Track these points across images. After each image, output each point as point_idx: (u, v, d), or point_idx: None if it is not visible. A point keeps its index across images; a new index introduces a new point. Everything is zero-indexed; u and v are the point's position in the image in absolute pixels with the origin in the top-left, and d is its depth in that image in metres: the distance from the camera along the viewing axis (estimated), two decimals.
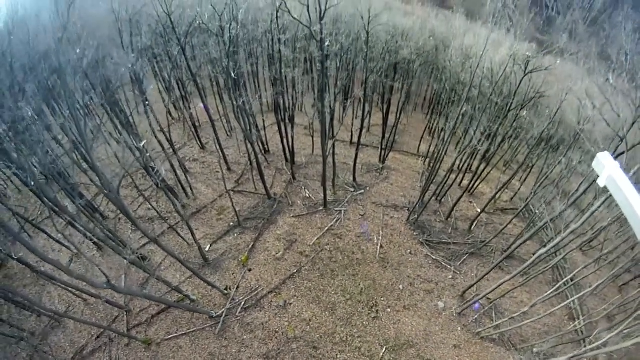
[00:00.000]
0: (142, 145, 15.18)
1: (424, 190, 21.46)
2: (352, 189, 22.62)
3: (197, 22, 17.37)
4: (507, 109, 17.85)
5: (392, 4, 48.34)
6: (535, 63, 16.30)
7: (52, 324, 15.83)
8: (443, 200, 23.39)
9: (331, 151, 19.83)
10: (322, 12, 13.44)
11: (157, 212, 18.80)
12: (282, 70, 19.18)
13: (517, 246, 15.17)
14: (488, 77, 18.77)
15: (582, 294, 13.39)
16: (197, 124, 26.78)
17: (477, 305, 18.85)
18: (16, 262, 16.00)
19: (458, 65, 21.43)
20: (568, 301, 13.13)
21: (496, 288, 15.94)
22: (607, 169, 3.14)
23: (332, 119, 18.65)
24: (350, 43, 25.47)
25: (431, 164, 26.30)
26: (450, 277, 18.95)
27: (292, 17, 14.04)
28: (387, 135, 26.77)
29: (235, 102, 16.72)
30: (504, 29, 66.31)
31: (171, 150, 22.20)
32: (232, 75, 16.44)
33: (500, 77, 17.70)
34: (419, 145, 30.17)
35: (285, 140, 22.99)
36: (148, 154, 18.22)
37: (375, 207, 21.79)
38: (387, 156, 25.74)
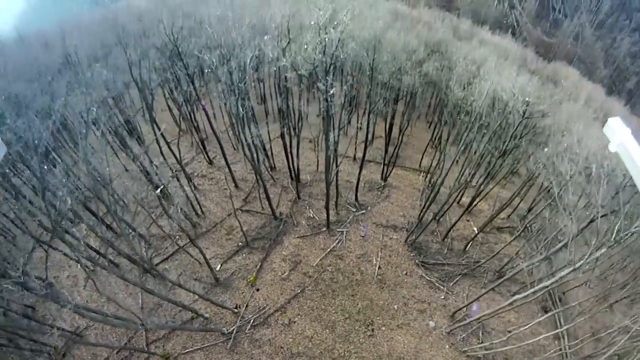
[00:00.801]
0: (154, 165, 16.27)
1: (422, 212, 22.69)
2: (354, 209, 23.83)
3: (206, 65, 18.07)
4: (505, 146, 18.67)
5: (399, 9, 48.25)
6: (534, 106, 17.08)
7: (74, 338, 17.33)
8: (441, 219, 24.60)
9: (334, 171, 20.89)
10: (329, 65, 14.27)
11: (170, 237, 20.04)
12: (289, 102, 19.99)
13: (513, 274, 16.50)
14: (489, 111, 19.55)
15: (566, 307, 14.75)
16: (204, 137, 27.73)
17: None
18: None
19: (460, 94, 22.16)
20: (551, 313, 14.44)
21: (491, 313, 17.31)
22: (619, 135, 2.96)
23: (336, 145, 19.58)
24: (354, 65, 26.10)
25: (431, 181, 27.44)
26: (442, 297, 20.37)
27: (299, 73, 14.85)
28: (390, 149, 27.73)
29: (244, 140, 17.74)
30: (509, 34, 65.59)
31: (180, 165, 23.36)
32: (240, 111, 17.40)
33: (501, 118, 18.47)
34: (421, 159, 31.04)
35: (290, 160, 24.05)
36: (159, 174, 19.44)
37: (375, 228, 23.06)
38: (389, 174, 26.79)
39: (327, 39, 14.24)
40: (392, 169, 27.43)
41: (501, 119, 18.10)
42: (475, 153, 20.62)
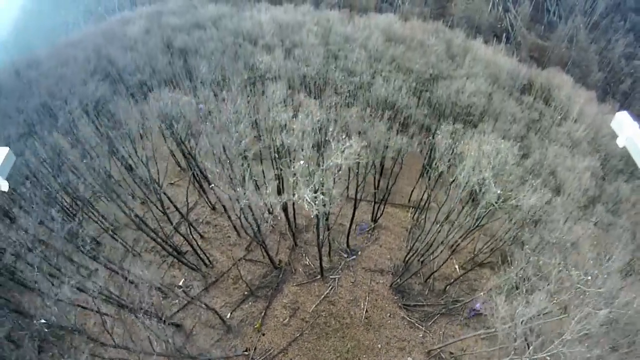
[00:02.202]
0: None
1: (407, 256, 25.61)
2: (346, 255, 26.75)
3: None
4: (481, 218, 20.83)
5: (392, 30, 48.90)
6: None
7: None
8: (425, 260, 27.50)
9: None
10: (324, 217, 16.43)
11: (188, 296, 23.08)
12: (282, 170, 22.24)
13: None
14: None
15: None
16: (205, 181, 30.00)
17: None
18: None
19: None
20: None
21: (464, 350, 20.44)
22: (626, 129, 2.84)
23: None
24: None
25: (418, 219, 30.09)
26: (421, 335, 23.66)
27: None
28: (381, 181, 29.81)
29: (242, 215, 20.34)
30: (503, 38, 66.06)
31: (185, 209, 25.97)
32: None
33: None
34: (411, 193, 33.20)
35: (287, 212, 26.66)
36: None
37: (364, 273, 26.06)
38: (380, 215, 29.39)
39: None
40: (384, 207, 29.90)
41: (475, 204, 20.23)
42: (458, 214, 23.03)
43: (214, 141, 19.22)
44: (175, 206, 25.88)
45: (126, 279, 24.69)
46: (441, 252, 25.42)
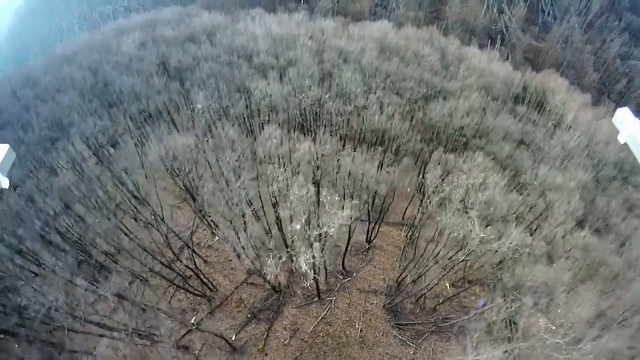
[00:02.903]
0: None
1: (399, 277, 27.20)
2: (342, 277, 28.30)
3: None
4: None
5: (386, 41, 49.29)
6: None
7: None
8: (417, 280, 29.07)
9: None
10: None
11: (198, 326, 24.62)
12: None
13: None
14: None
15: None
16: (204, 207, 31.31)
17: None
18: None
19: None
20: None
21: None
22: (628, 126, 2.79)
23: None
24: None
25: (412, 238, 31.57)
26: (412, 352, 25.42)
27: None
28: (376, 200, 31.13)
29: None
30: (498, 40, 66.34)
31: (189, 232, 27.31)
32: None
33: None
34: (405, 210, 34.48)
35: (285, 239, 28.04)
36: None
37: (359, 294, 27.67)
38: (375, 236, 30.82)
39: None
40: (379, 227, 31.27)
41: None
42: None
43: (215, 196, 20.52)
44: (178, 236, 27.19)
45: (135, 304, 26.44)
46: (432, 269, 26.99)
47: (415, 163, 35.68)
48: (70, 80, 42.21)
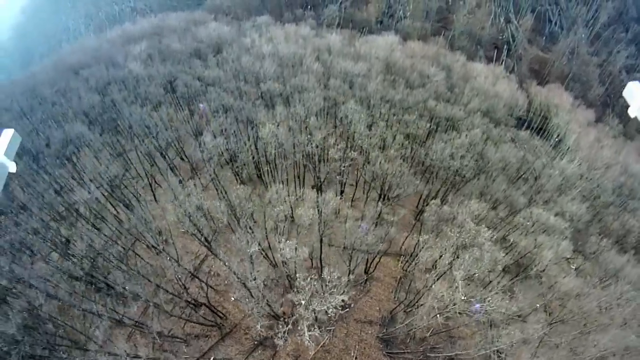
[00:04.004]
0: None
1: (394, 309, 29.63)
2: (341, 309, 30.67)
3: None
4: None
5: (393, 59, 49.78)
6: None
7: None
8: (410, 311, 31.48)
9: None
10: None
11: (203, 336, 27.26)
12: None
13: None
14: None
15: None
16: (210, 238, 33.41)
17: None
18: None
19: None
20: None
21: None
22: (638, 99, 3.02)
23: None
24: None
25: (407, 270, 33.77)
26: None
27: None
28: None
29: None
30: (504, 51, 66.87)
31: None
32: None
33: None
34: (403, 242, 36.40)
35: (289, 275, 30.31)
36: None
37: (355, 324, 30.16)
38: (374, 269, 32.97)
39: None
40: (379, 259, 33.32)
41: None
42: None
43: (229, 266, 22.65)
44: (193, 274, 29.46)
45: (150, 331, 29.10)
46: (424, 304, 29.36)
47: (416, 206, 37.20)
48: (78, 102, 42.98)
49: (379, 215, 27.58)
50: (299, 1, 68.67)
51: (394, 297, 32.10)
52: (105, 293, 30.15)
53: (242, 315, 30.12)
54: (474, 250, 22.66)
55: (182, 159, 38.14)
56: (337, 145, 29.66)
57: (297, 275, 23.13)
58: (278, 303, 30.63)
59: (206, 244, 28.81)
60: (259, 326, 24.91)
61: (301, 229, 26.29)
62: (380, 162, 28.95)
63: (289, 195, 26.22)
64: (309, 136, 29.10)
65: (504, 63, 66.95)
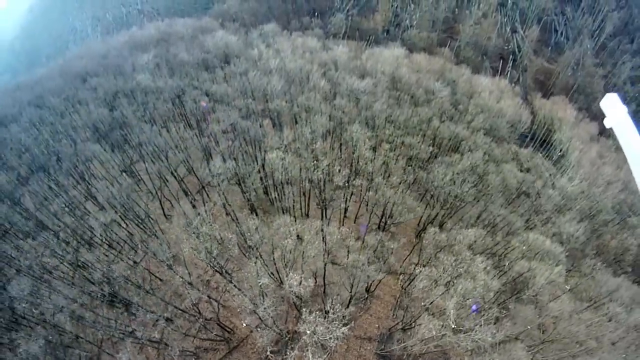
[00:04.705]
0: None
1: (392, 327, 31.28)
2: (342, 326, 32.35)
3: None
4: None
5: (398, 76, 50.39)
6: None
7: None
8: (407, 328, 33.10)
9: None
10: None
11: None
12: None
13: None
14: None
15: None
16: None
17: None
18: None
19: None
20: None
21: None
22: (614, 112, 3.54)
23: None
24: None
25: (406, 289, 35.26)
26: None
27: None
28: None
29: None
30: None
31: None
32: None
33: None
34: (404, 260, 37.87)
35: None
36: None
37: (354, 340, 31.86)
38: (374, 288, 34.51)
39: None
40: (379, 281, 34.84)
41: None
42: None
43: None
44: (203, 292, 31.08)
45: (162, 342, 30.93)
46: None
47: (417, 224, 38.38)
48: (87, 115, 43.67)
49: (379, 243, 28.90)
50: (305, 9, 68.76)
51: (393, 315, 33.71)
52: (118, 308, 31.91)
53: (249, 330, 31.86)
54: (468, 280, 24.03)
55: (191, 174, 39.49)
56: (342, 172, 30.84)
57: (303, 309, 24.66)
58: (283, 320, 32.37)
59: (219, 270, 30.38)
60: (268, 350, 26.65)
61: (307, 258, 27.74)
62: (382, 190, 30.13)
63: (295, 222, 27.56)
64: (315, 162, 30.26)
65: (509, 74, 67.19)
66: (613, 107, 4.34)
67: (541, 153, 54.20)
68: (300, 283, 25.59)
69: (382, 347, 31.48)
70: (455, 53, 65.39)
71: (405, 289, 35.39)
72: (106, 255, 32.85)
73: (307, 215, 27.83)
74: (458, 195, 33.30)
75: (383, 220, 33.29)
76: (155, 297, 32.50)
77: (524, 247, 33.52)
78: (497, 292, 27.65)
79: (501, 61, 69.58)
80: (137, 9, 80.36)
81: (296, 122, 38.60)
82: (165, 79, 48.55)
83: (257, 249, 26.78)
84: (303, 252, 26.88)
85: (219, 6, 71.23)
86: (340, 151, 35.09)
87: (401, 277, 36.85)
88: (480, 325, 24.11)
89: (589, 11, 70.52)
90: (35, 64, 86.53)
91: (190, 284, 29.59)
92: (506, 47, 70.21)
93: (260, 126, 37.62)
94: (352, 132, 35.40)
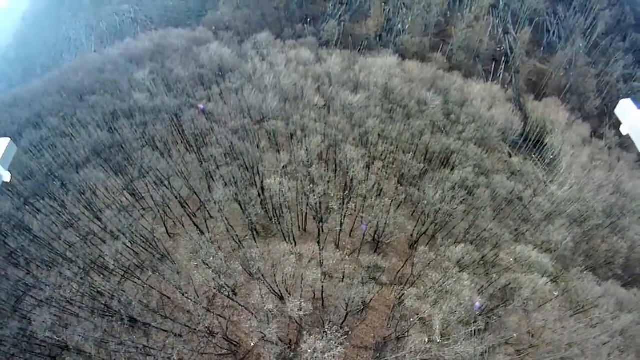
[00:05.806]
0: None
1: (386, 336, 33.66)
2: (341, 336, 34.72)
3: None
4: None
5: (392, 85, 51.42)
6: None
7: None
8: (401, 337, 35.47)
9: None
10: None
11: None
12: None
13: None
14: None
15: None
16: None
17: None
18: None
19: None
20: None
21: None
22: (630, 117, 3.34)
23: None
24: None
25: (401, 299, 37.52)
26: None
27: None
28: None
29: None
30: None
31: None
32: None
33: None
34: (399, 272, 40.03)
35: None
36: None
37: (352, 349, 34.27)
38: (370, 300, 36.72)
39: None
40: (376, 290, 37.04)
41: None
42: None
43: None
44: (205, 308, 33.25)
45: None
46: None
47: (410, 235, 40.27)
48: (88, 137, 44.84)
49: (373, 264, 30.95)
50: (298, 15, 68.82)
51: (387, 325, 36.06)
52: (136, 332, 34.09)
53: (253, 344, 34.22)
54: (453, 297, 26.15)
55: (194, 195, 41.19)
56: (336, 196, 32.54)
57: (304, 331, 26.78)
58: (285, 330, 34.76)
59: (228, 295, 32.49)
60: None
61: (306, 281, 29.68)
62: (375, 212, 31.90)
63: (295, 246, 29.49)
64: (311, 185, 31.92)
65: (501, 77, 68.00)
66: (628, 113, 4.36)
67: (533, 157, 55.63)
68: (300, 309, 27.60)
69: (378, 355, 33.92)
70: (447, 57, 66.01)
71: (399, 299, 37.63)
72: (119, 283, 34.82)
73: (305, 230, 29.70)
74: (447, 211, 35.10)
75: (376, 237, 35.20)
76: (171, 321, 34.69)
77: (512, 259, 35.54)
78: (482, 306, 29.78)
79: (494, 63, 70.23)
80: (130, 18, 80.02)
81: (292, 140, 39.98)
82: (163, 97, 49.47)
83: (261, 274, 28.66)
84: (302, 275, 28.86)
85: (212, 14, 71.16)
86: (335, 172, 36.69)
87: (395, 288, 39.07)
88: (465, 340, 26.26)
89: (581, 10, 70.75)
90: (30, 73, 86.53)
91: (204, 307, 31.71)
92: (498, 49, 70.74)
93: (258, 147, 39.05)
94: (346, 152, 36.92)
